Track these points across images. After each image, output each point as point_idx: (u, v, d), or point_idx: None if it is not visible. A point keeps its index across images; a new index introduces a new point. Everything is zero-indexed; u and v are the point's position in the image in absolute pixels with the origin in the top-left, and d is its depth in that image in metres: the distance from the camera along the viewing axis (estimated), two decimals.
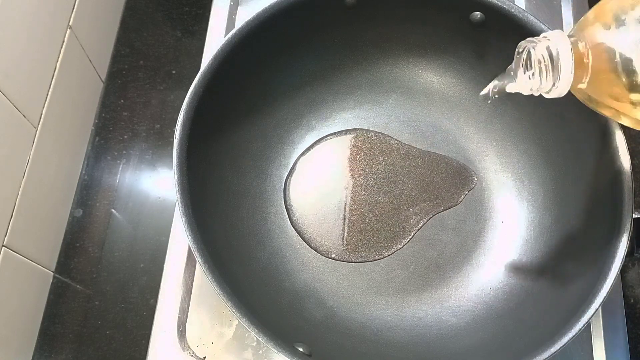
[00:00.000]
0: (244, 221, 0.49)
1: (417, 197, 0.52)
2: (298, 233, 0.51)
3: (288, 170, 0.53)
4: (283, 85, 0.52)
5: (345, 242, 0.51)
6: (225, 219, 0.47)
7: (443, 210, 0.52)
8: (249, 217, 0.50)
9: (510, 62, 0.49)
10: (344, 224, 0.51)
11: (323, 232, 0.51)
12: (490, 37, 0.48)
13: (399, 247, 0.51)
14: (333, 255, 0.50)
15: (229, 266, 0.43)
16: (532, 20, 0.45)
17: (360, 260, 0.50)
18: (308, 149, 0.54)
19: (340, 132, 0.54)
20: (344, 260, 0.50)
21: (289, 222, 0.51)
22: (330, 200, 0.52)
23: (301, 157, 0.53)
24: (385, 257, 0.51)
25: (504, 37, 0.47)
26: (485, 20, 0.47)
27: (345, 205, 0.52)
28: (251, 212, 0.50)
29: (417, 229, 0.51)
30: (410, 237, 0.51)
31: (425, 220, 0.51)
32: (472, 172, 0.53)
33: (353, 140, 0.54)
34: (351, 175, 0.53)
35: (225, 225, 0.47)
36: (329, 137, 0.54)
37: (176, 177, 0.42)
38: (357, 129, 0.54)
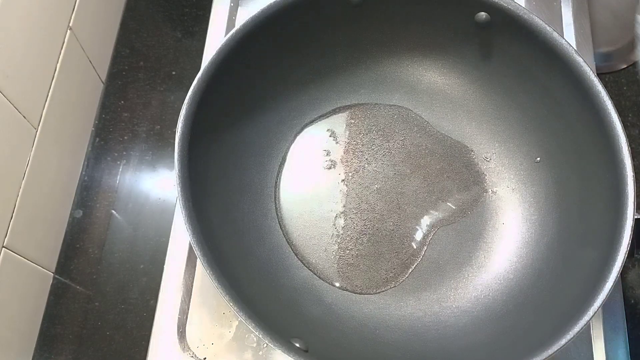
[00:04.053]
0: (244, 217, 0.49)
1: (424, 200, 0.52)
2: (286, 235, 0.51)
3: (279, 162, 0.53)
4: (287, 82, 0.52)
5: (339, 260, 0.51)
6: (225, 214, 0.47)
7: (452, 222, 0.52)
8: (250, 212, 0.50)
9: (515, 64, 0.49)
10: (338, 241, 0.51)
11: (315, 247, 0.51)
12: (495, 37, 0.48)
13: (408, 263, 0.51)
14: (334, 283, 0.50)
15: (228, 261, 0.43)
16: (538, 21, 0.45)
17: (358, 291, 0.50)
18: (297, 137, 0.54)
19: (339, 108, 0.55)
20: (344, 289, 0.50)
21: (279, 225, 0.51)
22: (323, 208, 0.52)
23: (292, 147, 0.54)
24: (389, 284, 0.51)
25: (509, 38, 0.48)
26: (491, 21, 0.47)
27: (342, 212, 0.52)
28: (252, 207, 0.50)
29: (426, 242, 0.51)
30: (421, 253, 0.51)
31: (434, 232, 0.51)
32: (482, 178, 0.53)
33: (353, 138, 0.54)
34: (351, 175, 0.53)
35: (226, 220, 0.47)
36: (326, 117, 0.54)
37: (177, 170, 0.42)
38: (357, 104, 0.55)
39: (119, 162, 0.58)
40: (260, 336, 0.38)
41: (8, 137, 0.45)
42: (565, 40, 0.44)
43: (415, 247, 0.51)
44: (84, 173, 0.58)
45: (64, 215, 0.56)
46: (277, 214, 0.51)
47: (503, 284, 0.49)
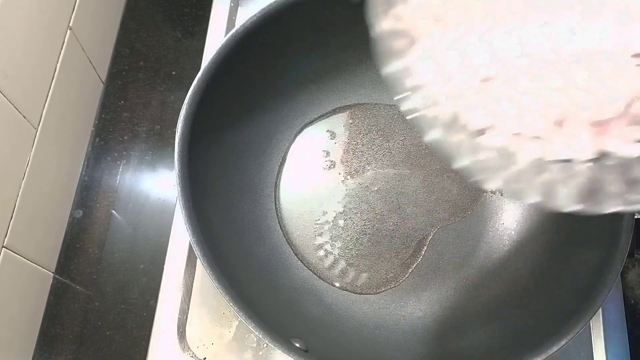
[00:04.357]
0: (244, 217, 0.49)
1: (424, 200, 0.52)
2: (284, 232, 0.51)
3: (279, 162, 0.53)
4: (287, 82, 0.52)
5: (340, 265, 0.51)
6: (225, 214, 0.47)
7: (452, 222, 0.52)
8: (250, 212, 0.50)
9: None
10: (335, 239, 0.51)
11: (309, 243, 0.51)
12: None
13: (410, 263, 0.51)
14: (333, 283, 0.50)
15: (228, 261, 0.43)
16: None
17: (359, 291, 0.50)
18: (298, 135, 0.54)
19: (339, 108, 0.55)
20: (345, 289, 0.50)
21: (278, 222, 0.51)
22: (323, 207, 0.52)
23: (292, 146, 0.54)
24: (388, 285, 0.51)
25: None
26: None
27: (342, 213, 0.52)
28: (252, 207, 0.50)
29: (427, 241, 0.51)
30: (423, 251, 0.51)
31: (434, 232, 0.52)
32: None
33: (353, 138, 0.54)
34: (351, 175, 0.53)
35: (226, 220, 0.47)
36: (323, 118, 0.54)
37: (177, 170, 0.42)
38: (357, 104, 0.55)
39: (119, 162, 0.58)
40: (260, 336, 0.38)
41: (8, 137, 0.45)
42: None
43: (415, 247, 0.51)
44: (84, 173, 0.58)
45: (64, 215, 0.56)
46: (277, 214, 0.51)
47: (503, 283, 0.49)
